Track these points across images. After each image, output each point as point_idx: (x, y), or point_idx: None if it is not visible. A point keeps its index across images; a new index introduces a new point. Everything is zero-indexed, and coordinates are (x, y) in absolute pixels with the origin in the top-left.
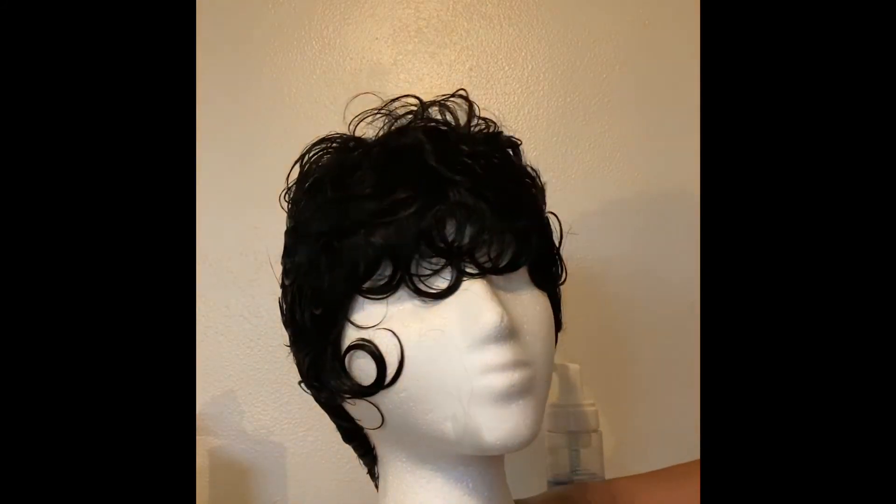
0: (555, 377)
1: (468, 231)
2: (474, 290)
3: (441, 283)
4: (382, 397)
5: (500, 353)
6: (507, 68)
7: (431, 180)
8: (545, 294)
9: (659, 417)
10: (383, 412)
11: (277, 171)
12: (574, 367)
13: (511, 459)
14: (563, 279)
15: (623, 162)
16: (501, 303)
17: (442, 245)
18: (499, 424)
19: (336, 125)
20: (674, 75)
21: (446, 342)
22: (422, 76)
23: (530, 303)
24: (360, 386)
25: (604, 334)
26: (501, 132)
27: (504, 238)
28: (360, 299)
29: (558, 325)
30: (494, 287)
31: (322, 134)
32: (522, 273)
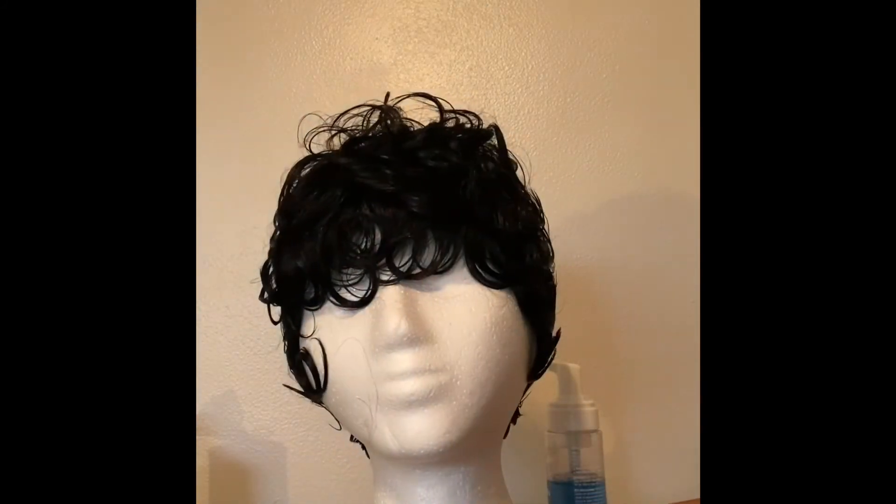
0: (555, 377)
1: (377, 238)
2: (384, 298)
3: (361, 291)
4: (327, 401)
5: (400, 361)
6: (507, 68)
7: (347, 193)
8: (497, 292)
9: (659, 417)
10: (333, 414)
11: (277, 171)
12: (574, 367)
13: (511, 459)
14: (535, 273)
15: (623, 162)
16: (418, 307)
17: (352, 255)
18: (401, 432)
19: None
20: (674, 75)
21: (359, 350)
22: (422, 76)
23: (461, 305)
24: (310, 390)
25: (604, 334)
26: (439, 127)
27: (423, 241)
28: (304, 311)
29: (537, 322)
30: (421, 290)
31: (320, 134)
32: (461, 272)
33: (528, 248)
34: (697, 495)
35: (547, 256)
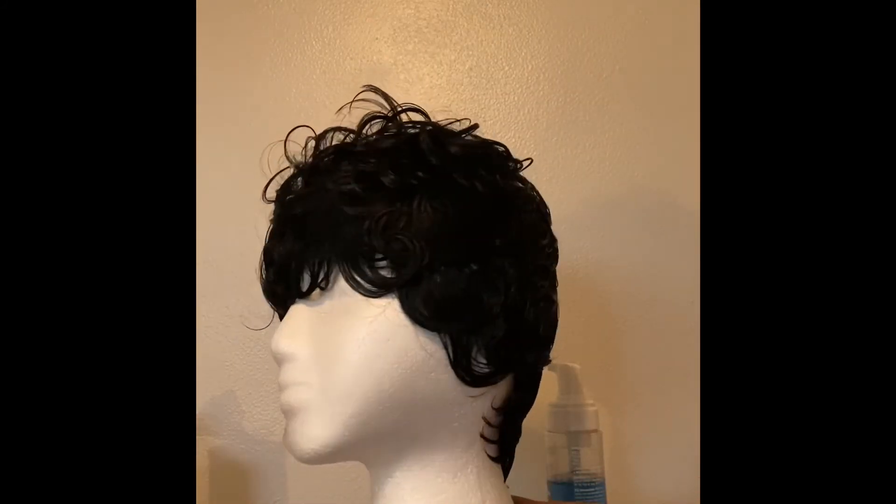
0: (555, 377)
1: (276, 263)
2: None
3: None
4: None
5: (280, 375)
6: (507, 68)
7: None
8: (375, 301)
9: (659, 417)
10: None
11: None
12: (574, 367)
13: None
14: (423, 276)
15: (623, 162)
16: (306, 324)
17: (266, 281)
18: (285, 438)
19: (335, 125)
20: (674, 75)
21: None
22: (422, 76)
23: (340, 318)
24: None
25: (604, 334)
26: (345, 149)
27: (301, 263)
28: None
29: (438, 325)
30: (315, 306)
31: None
32: (342, 286)
33: (411, 252)
34: (697, 495)
35: (451, 256)
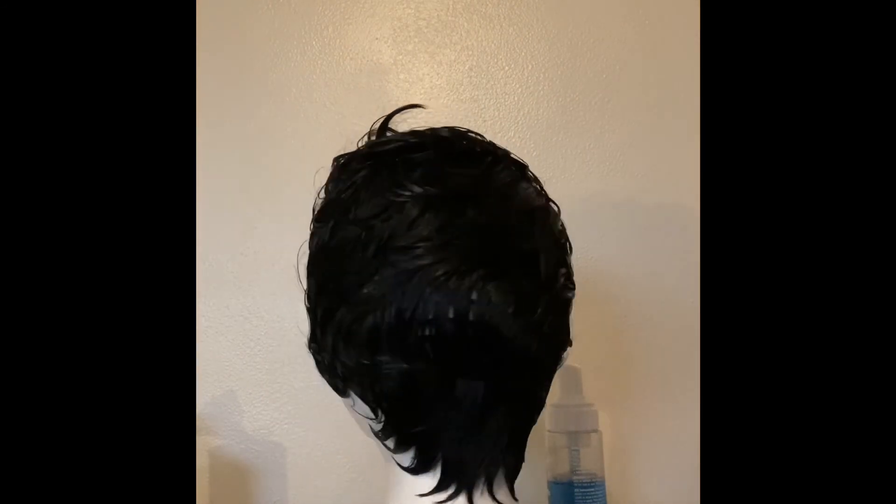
0: (555, 377)
1: None
2: None
3: None
4: None
5: None
6: (507, 68)
7: None
8: None
9: (659, 417)
10: None
11: (277, 170)
12: (574, 367)
13: None
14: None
15: (623, 162)
16: None
17: None
18: None
19: (335, 125)
20: (674, 75)
21: None
22: (422, 76)
23: None
24: None
25: (604, 334)
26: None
27: None
28: None
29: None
30: None
31: (320, 134)
32: None
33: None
34: (697, 495)
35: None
